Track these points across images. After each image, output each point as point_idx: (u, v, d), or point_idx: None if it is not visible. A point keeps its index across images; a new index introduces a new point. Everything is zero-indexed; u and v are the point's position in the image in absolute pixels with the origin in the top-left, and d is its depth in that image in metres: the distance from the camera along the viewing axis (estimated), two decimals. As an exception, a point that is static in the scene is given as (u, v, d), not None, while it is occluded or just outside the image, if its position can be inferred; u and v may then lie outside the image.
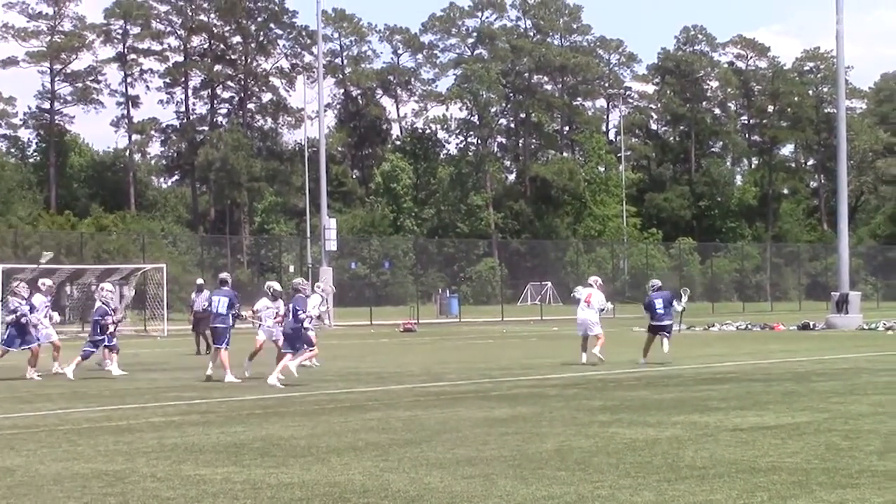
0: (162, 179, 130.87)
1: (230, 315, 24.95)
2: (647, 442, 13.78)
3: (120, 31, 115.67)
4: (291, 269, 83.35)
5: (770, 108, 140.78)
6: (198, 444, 14.12)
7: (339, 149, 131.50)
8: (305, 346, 23.51)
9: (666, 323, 28.85)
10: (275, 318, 25.79)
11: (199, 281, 39.58)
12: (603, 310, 28.86)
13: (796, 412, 16.92)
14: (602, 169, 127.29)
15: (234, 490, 10.89)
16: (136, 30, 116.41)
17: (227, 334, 24.83)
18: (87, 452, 13.56)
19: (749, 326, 53.44)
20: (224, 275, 26.49)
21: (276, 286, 26.75)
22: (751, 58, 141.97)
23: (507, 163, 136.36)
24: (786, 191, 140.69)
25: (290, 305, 23.63)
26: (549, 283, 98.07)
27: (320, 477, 11.55)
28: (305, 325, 23.27)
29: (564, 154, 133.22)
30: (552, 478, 11.27)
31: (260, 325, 26.49)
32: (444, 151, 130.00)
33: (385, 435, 14.79)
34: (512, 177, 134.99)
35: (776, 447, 13.18)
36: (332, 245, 63.86)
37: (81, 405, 19.65)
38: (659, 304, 28.80)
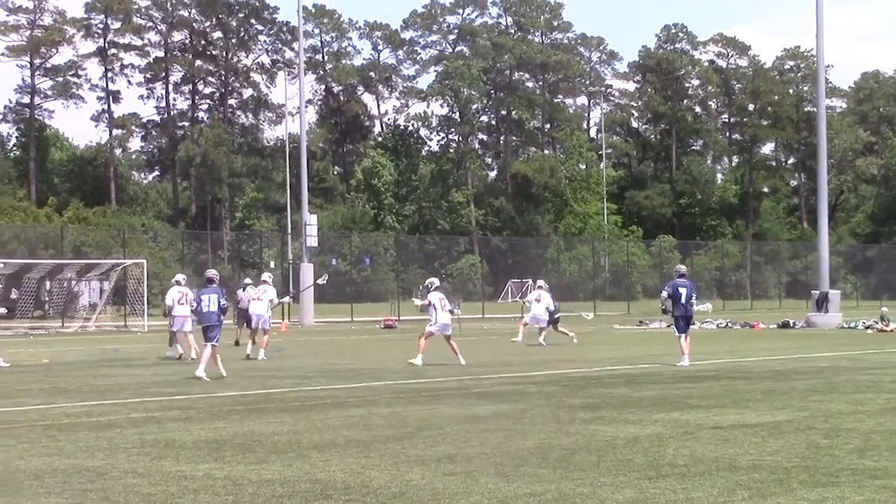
0: (143, 175, 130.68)
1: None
2: (627, 440, 13.80)
3: (100, 26, 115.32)
4: (272, 265, 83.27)
5: (750, 107, 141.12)
6: (178, 441, 14.09)
7: (320, 145, 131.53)
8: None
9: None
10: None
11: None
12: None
13: (776, 410, 16.95)
14: (583, 166, 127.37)
15: (215, 486, 10.87)
16: (117, 24, 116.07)
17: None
18: (68, 448, 13.52)
19: (729, 324, 53.53)
20: (212, 273, 26.42)
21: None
22: (731, 56, 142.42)
23: (489, 160, 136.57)
24: (766, 189, 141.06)
25: (688, 291, 27.09)
26: (530, 281, 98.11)
27: (301, 473, 11.54)
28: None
29: (545, 151, 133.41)
30: (533, 475, 11.28)
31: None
32: (426, 148, 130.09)
33: (366, 431, 14.78)
34: (493, 174, 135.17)
35: (756, 445, 13.21)
36: (312, 241, 63.71)
37: (62, 400, 19.59)
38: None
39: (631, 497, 10.16)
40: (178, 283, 31.14)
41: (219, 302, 24.58)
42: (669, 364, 26.74)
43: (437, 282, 28.29)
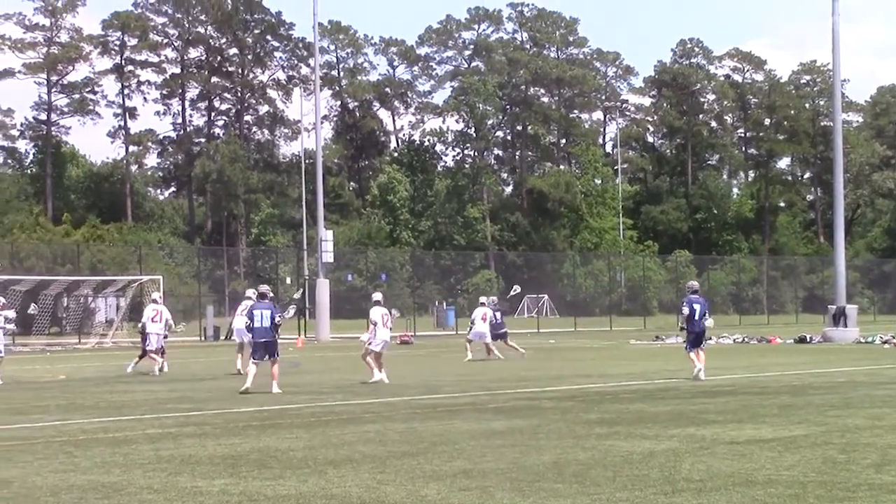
0: (159, 191, 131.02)
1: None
2: (643, 455, 13.77)
3: (117, 43, 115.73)
4: (288, 280, 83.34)
5: (766, 121, 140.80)
6: (194, 456, 14.10)
7: (336, 161, 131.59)
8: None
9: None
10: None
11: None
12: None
13: (793, 425, 16.91)
14: (599, 181, 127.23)
15: (230, 502, 10.88)
16: (134, 41, 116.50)
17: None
18: (84, 464, 13.54)
19: (746, 339, 53.41)
20: (264, 288, 26.31)
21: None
22: (747, 71, 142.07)
23: (504, 175, 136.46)
24: (782, 204, 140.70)
25: (701, 307, 27.19)
26: (546, 296, 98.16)
27: (317, 489, 11.54)
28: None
29: (561, 166, 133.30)
30: (549, 490, 11.26)
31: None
32: (441, 164, 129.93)
33: (382, 447, 14.78)
34: (508, 189, 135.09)
35: (773, 460, 13.17)
36: (328, 257, 63.76)
37: (78, 416, 19.62)
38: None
39: (647, 512, 10.15)
40: (154, 301, 31.56)
41: (272, 317, 24.40)
42: (685, 379, 26.69)
43: (378, 296, 28.16)
